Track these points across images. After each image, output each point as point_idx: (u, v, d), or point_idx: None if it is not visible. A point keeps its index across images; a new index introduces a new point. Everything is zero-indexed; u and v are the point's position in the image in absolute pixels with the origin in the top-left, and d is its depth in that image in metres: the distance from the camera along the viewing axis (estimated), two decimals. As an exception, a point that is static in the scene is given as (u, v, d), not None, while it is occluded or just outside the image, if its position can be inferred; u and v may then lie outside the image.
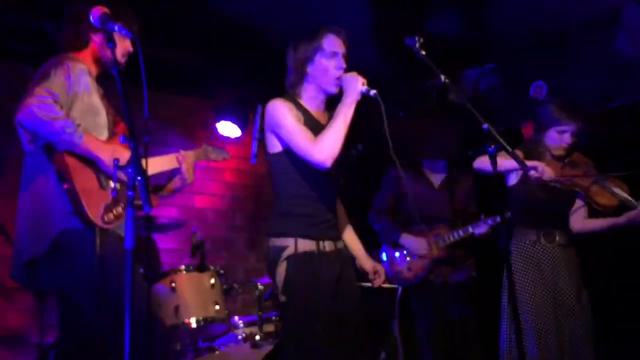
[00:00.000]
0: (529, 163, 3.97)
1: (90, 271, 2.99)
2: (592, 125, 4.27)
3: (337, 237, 3.51)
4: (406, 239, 4.92)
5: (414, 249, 4.90)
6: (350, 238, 3.73)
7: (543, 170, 3.98)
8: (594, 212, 4.33)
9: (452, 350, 4.85)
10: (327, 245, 3.41)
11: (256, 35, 4.96)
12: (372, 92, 3.30)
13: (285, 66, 3.56)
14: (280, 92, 3.54)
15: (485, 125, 3.32)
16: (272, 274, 3.40)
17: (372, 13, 4.74)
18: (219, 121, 6.09)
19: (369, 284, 3.71)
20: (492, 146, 3.39)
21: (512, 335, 4.08)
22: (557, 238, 4.24)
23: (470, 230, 4.73)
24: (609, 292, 4.70)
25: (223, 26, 5.13)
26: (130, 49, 3.35)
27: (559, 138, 4.23)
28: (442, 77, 3.36)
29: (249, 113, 6.03)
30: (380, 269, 3.71)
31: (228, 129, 6.11)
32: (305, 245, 3.35)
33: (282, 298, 3.34)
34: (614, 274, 5.01)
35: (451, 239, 4.84)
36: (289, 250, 3.34)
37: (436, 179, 5.07)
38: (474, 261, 4.98)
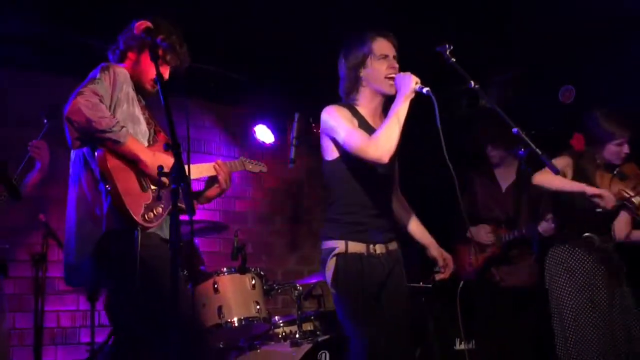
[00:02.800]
0: (594, 190, 3.98)
1: (132, 272, 3.00)
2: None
3: (389, 239, 3.46)
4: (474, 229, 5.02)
5: (479, 235, 5.00)
6: (417, 229, 3.68)
7: (607, 200, 3.95)
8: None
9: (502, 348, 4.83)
10: (378, 248, 3.38)
11: (290, 51, 4.97)
12: (426, 89, 3.21)
13: (317, 76, 3.53)
14: (317, 100, 3.52)
15: (515, 129, 3.27)
16: (324, 271, 3.40)
17: (402, 22, 4.73)
18: (256, 125, 6.13)
19: (428, 284, 3.69)
20: (522, 149, 3.36)
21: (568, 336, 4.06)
22: (598, 243, 4.16)
23: (524, 230, 4.72)
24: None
25: (261, 42, 5.15)
26: (172, 63, 3.36)
27: (617, 150, 4.16)
28: (472, 83, 3.32)
29: (285, 121, 6.05)
30: (449, 259, 3.64)
31: (264, 133, 6.14)
32: (355, 247, 3.33)
33: (332, 291, 3.35)
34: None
35: (509, 237, 4.86)
36: (340, 250, 3.32)
37: (505, 181, 5.09)
38: (535, 264, 4.86)
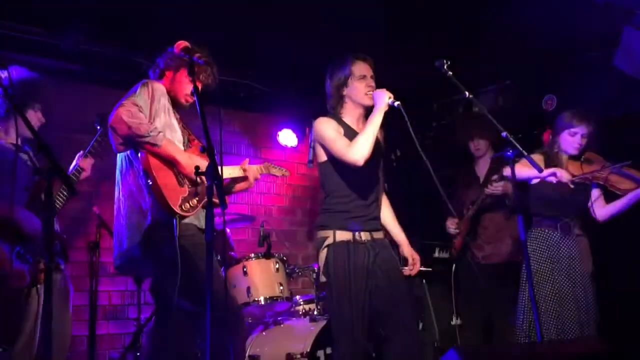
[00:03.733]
0: (548, 170, 3.92)
1: (172, 258, 3.04)
2: (600, 129, 4.16)
3: (373, 228, 3.52)
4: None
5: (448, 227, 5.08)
6: (394, 229, 3.75)
7: (561, 175, 3.92)
8: (612, 198, 4.19)
9: (486, 320, 4.83)
10: (363, 235, 3.44)
11: (308, 66, 4.99)
12: (396, 103, 3.37)
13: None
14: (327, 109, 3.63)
15: (504, 134, 3.28)
16: (317, 259, 3.51)
17: (404, 41, 4.74)
18: (280, 130, 6.14)
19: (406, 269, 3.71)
20: (510, 151, 3.35)
21: (528, 316, 3.98)
22: (573, 229, 4.13)
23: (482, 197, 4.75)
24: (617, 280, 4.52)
25: (283, 58, 5.18)
26: (205, 81, 3.38)
27: (571, 140, 4.13)
28: (467, 93, 3.34)
29: (304, 126, 6.08)
30: (417, 259, 3.70)
31: (287, 138, 6.15)
32: (343, 235, 3.41)
33: (323, 278, 3.45)
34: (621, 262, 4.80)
35: (471, 213, 4.91)
36: (329, 240, 3.43)
37: (482, 172, 5.10)
38: (513, 244, 4.85)
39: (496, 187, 4.61)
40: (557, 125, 4.21)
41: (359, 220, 3.45)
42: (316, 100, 3.96)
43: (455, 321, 5.11)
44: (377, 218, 3.59)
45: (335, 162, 3.47)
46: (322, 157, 3.55)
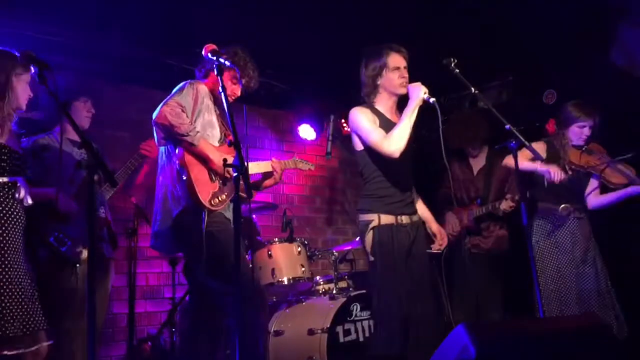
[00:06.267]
0: (543, 168, 3.92)
1: (199, 243, 3.06)
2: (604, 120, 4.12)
3: (412, 212, 3.48)
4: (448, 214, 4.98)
5: (449, 221, 4.94)
6: (421, 207, 3.67)
7: (554, 175, 3.88)
8: (606, 190, 4.17)
9: (476, 309, 4.78)
10: (404, 219, 3.39)
11: (326, 67, 4.99)
12: (432, 99, 3.27)
13: (348, 83, 3.56)
14: (348, 105, 3.54)
15: (508, 126, 3.25)
16: (362, 240, 3.42)
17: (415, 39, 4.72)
18: (300, 125, 6.12)
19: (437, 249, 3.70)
20: (514, 142, 3.32)
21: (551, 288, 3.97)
22: (574, 212, 4.09)
23: (497, 205, 4.64)
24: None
25: (304, 59, 5.17)
26: (244, 81, 3.40)
27: (579, 132, 4.11)
28: (472, 89, 3.30)
29: (322, 121, 6.06)
30: (444, 232, 3.67)
31: (307, 132, 6.13)
32: (387, 219, 3.35)
33: (371, 258, 3.36)
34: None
35: (479, 213, 4.78)
36: (374, 223, 3.35)
37: (477, 167, 5.00)
38: (505, 234, 4.83)
39: (507, 207, 4.54)
40: (565, 117, 4.17)
41: (399, 205, 3.39)
42: (334, 97, 3.95)
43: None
44: (413, 202, 3.53)
45: (373, 151, 3.37)
46: (359, 146, 3.45)
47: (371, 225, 3.35)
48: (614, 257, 4.21)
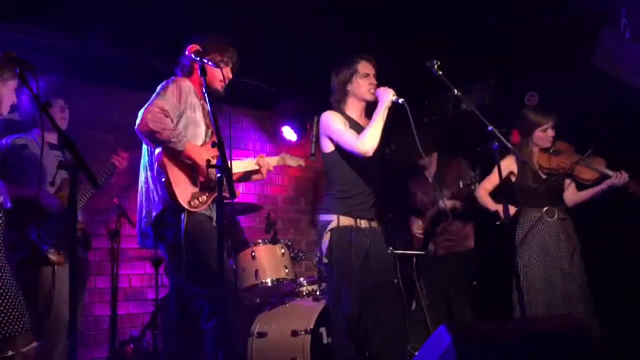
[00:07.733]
0: (494, 207, 4.17)
1: (178, 242, 3.05)
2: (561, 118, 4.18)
3: (371, 217, 3.50)
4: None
5: (412, 227, 5.05)
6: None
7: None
8: (581, 187, 4.22)
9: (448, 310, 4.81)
10: (363, 223, 3.43)
11: (309, 69, 4.99)
12: (400, 100, 3.36)
13: (329, 88, 3.63)
14: (328, 106, 3.60)
15: (490, 127, 3.28)
16: (319, 242, 3.45)
17: (398, 43, 4.73)
18: (283, 126, 6.12)
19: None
20: (496, 143, 3.35)
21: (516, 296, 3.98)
22: (556, 214, 4.13)
23: (442, 205, 4.69)
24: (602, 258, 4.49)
25: (287, 62, 5.18)
26: (221, 77, 3.32)
27: (543, 136, 4.16)
28: (455, 91, 3.33)
29: (305, 123, 6.06)
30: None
31: (289, 133, 6.14)
32: (345, 221, 3.38)
33: (325, 260, 3.40)
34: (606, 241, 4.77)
35: (431, 214, 4.86)
36: (333, 224, 3.38)
37: (430, 173, 4.99)
38: (468, 232, 4.88)
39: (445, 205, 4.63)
40: (526, 125, 4.22)
41: (359, 208, 3.43)
42: (316, 99, 3.96)
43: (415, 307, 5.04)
44: (375, 207, 3.55)
45: (341, 153, 3.45)
46: (328, 148, 3.52)
47: (330, 227, 3.38)
48: (596, 255, 4.26)
